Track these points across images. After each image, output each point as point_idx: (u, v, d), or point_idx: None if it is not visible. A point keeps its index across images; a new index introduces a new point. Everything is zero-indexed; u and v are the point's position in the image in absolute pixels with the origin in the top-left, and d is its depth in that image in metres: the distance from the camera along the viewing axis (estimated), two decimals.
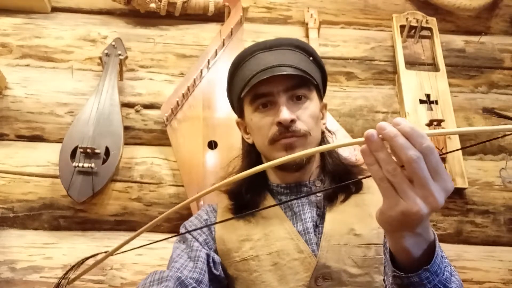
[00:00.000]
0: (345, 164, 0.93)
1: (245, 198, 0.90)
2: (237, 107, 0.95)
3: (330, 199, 0.89)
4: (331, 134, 0.99)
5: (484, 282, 1.40)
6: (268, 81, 0.84)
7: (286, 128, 0.84)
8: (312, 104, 0.88)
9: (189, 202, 0.62)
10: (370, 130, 0.53)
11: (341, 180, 0.90)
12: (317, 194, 0.89)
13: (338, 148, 0.94)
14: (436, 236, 0.59)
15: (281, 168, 0.89)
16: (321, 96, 0.95)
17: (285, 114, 0.83)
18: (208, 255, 0.85)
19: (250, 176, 0.91)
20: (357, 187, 0.91)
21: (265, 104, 0.87)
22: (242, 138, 1.00)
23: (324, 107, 0.96)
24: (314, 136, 0.88)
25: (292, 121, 0.83)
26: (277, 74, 0.83)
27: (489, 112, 1.58)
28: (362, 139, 0.54)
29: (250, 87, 0.86)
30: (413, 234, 0.55)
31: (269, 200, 0.91)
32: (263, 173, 0.95)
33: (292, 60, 0.87)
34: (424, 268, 0.56)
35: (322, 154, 0.94)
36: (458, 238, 1.45)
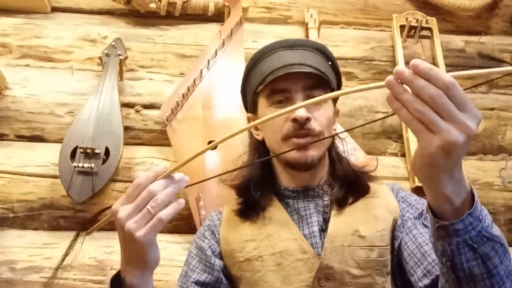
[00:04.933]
0: (355, 170, 0.93)
1: (253, 196, 0.90)
2: (251, 102, 0.95)
3: (339, 204, 0.89)
4: (341, 140, 0.99)
5: None
6: (286, 78, 0.84)
7: (301, 126, 0.83)
8: (327, 107, 0.89)
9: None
10: (390, 77, 0.53)
11: (351, 186, 0.90)
12: (324, 199, 0.90)
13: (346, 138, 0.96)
14: (473, 188, 0.59)
15: (291, 166, 0.89)
16: (335, 101, 0.95)
17: (301, 111, 0.82)
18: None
19: (258, 175, 0.92)
20: (364, 191, 0.91)
21: (281, 100, 0.87)
22: (250, 134, 1.00)
23: (336, 113, 0.96)
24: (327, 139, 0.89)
25: (308, 119, 0.83)
26: (298, 70, 0.83)
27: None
28: (382, 83, 0.54)
29: (268, 82, 0.86)
30: (452, 179, 0.54)
31: (275, 203, 0.91)
32: (272, 175, 0.95)
33: (312, 61, 0.88)
34: (467, 213, 0.56)
35: (332, 160, 0.94)
36: None
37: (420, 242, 0.82)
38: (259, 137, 0.96)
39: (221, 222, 0.94)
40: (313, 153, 0.86)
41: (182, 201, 0.64)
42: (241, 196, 0.94)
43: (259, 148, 0.96)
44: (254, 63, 0.94)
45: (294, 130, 0.84)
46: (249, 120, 0.99)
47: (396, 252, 0.87)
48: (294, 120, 0.83)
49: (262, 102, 0.91)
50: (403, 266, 0.85)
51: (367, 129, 1.57)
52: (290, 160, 0.87)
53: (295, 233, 0.86)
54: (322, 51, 0.93)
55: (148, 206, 0.61)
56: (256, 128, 0.96)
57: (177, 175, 0.65)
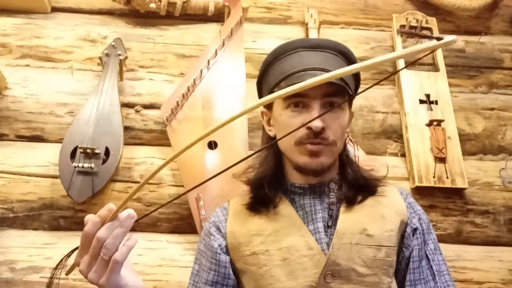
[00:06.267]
0: (365, 177, 0.93)
1: (267, 193, 0.90)
2: None
3: (348, 201, 0.89)
4: (353, 144, 0.98)
5: (484, 282, 1.40)
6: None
7: (315, 134, 0.83)
8: (343, 114, 0.88)
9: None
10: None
11: (359, 188, 0.90)
12: (330, 196, 0.90)
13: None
14: None
15: (301, 170, 0.89)
16: (351, 105, 0.95)
17: (317, 121, 0.82)
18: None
19: (271, 172, 0.92)
20: (373, 191, 0.91)
21: (298, 103, 0.86)
22: (263, 130, 1.00)
23: (351, 116, 0.96)
24: (339, 147, 0.89)
25: (323, 128, 0.83)
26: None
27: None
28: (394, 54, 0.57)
29: (288, 84, 0.83)
30: None
31: (283, 199, 0.91)
32: (282, 171, 0.95)
33: (334, 66, 0.86)
34: None
35: (342, 163, 0.94)
36: (458, 238, 1.45)
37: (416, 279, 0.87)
38: (271, 133, 0.95)
39: (228, 217, 0.94)
40: (325, 160, 0.86)
41: (134, 238, 0.67)
42: (254, 191, 0.93)
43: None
44: (274, 58, 0.92)
45: (308, 138, 0.84)
46: (262, 114, 0.98)
47: (407, 261, 0.88)
48: (309, 128, 0.83)
49: (278, 102, 0.90)
50: (399, 274, 0.89)
51: (367, 129, 1.57)
52: (300, 164, 0.87)
53: (302, 230, 0.86)
54: (346, 55, 0.92)
55: (101, 254, 0.64)
56: (269, 124, 0.96)
57: (122, 214, 0.66)
